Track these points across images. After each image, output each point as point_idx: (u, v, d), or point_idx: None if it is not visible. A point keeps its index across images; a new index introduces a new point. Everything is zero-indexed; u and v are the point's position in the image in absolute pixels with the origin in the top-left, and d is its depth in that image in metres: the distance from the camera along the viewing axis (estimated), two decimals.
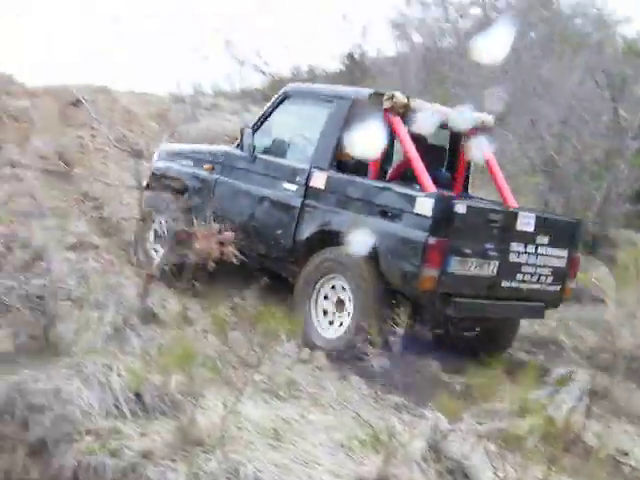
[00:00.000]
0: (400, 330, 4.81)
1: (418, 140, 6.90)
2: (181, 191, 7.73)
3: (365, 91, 7.27)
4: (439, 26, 15.94)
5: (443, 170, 7.61)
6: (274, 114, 7.49)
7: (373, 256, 6.21)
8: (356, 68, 19.11)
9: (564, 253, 6.65)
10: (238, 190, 7.45)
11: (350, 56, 19.50)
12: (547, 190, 10.88)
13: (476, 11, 18.26)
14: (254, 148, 7.34)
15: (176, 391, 5.22)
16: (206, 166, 7.25)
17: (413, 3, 17.60)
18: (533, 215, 6.34)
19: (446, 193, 6.64)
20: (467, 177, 7.81)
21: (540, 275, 6.50)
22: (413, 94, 11.94)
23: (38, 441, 4.69)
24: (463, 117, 7.14)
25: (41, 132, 12.44)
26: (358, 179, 6.79)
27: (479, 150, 7.29)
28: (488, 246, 5.83)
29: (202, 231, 6.54)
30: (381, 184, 6.72)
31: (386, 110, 6.81)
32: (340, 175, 6.86)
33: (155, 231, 7.98)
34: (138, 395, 5.19)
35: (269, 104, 7.61)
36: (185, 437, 4.63)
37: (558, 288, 6.77)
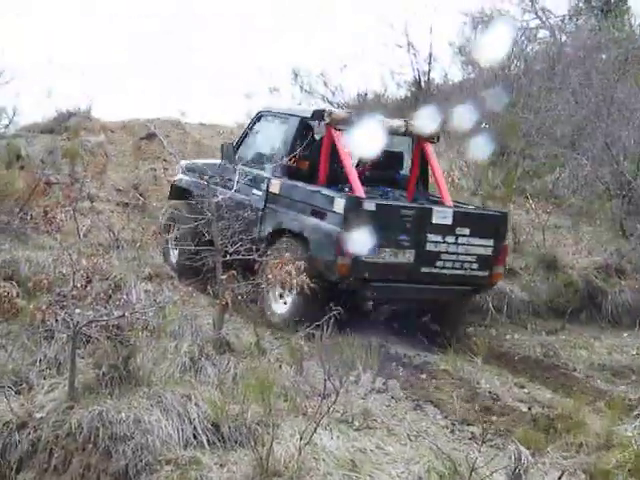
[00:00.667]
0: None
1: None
2: (190, 198, 8.44)
3: (311, 109, 8.30)
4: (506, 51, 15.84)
5: (401, 172, 8.41)
6: (251, 132, 8.69)
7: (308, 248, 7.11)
8: (421, 94, 19.11)
9: (489, 242, 7.30)
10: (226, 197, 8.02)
11: (415, 83, 19.52)
12: (623, 214, 10.59)
13: (544, 34, 18.14)
14: (235, 160, 8.19)
15: (253, 421, 5.24)
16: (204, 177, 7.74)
17: (479, 28, 17.60)
18: (450, 210, 7.06)
19: (356, 193, 7.19)
20: (423, 177, 8.42)
21: (463, 262, 7.17)
22: (481, 119, 12.02)
23: (120, 470, 4.77)
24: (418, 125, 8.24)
25: (117, 166, 12.84)
26: (300, 184, 7.70)
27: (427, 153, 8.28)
28: (402, 237, 6.46)
29: (274, 261, 6.61)
30: (314, 188, 7.56)
31: (327, 125, 7.69)
32: (289, 182, 7.78)
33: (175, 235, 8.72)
34: (216, 425, 5.23)
35: (248, 123, 8.86)
36: (263, 468, 4.64)
37: (486, 273, 7.40)
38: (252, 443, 4.91)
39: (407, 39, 19.30)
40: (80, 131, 13.65)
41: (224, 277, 6.84)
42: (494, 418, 6.05)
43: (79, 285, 5.62)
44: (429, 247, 6.39)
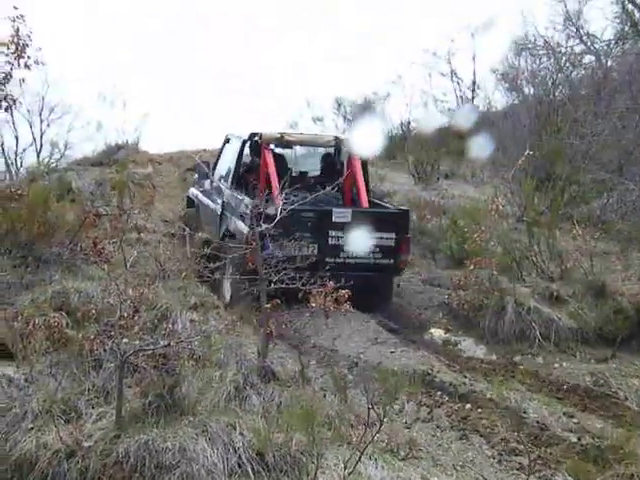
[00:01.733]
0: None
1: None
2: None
3: (250, 132, 9.62)
4: (551, 76, 15.77)
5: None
6: (222, 152, 10.59)
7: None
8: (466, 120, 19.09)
9: (391, 235, 8.54)
10: (206, 205, 10.40)
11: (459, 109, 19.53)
12: None
13: (589, 59, 18.01)
14: (209, 176, 10.07)
15: (297, 450, 5.24)
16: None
17: (523, 55, 17.58)
18: (349, 210, 8.15)
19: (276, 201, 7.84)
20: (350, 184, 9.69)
21: (368, 252, 8.46)
22: (525, 145, 11.93)
23: None
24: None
25: (164, 197, 13.07)
26: (236, 194, 9.20)
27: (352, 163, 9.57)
28: (306, 235, 7.27)
29: (318, 289, 6.65)
30: (240, 196, 9.04)
31: (261, 145, 9.29)
32: (231, 192, 9.31)
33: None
34: (260, 454, 5.25)
35: (221, 145, 10.73)
36: None
37: (391, 261, 8.68)
38: (296, 472, 4.92)
39: (450, 67, 19.44)
40: (128, 163, 13.98)
41: (268, 306, 6.88)
42: (542, 448, 5.98)
43: (126, 315, 5.72)
44: (331, 241, 7.08)
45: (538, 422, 6.37)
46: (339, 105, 19.34)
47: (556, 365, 7.88)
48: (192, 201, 11.30)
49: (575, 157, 12.59)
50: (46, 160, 16.17)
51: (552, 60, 16.86)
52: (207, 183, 10.56)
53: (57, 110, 17.09)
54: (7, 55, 8.20)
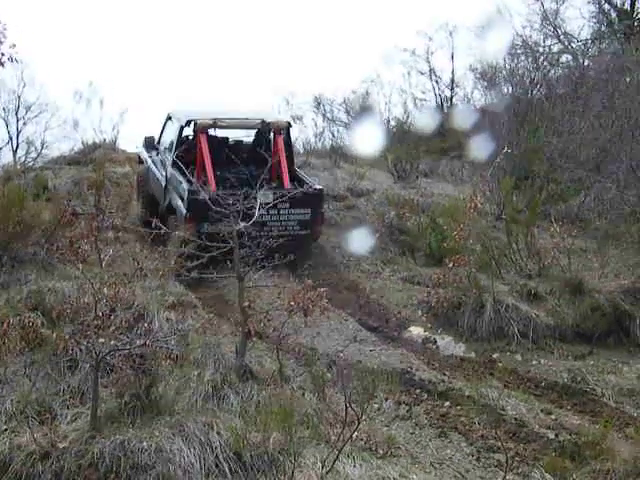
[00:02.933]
0: None
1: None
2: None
3: (189, 118, 10.65)
4: (529, 75, 15.83)
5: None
6: (165, 127, 11.72)
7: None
8: (445, 119, 19.14)
9: (307, 211, 9.92)
10: (153, 172, 11.48)
11: (439, 107, 19.57)
12: None
13: (566, 58, 18.12)
14: (155, 147, 11.72)
15: (275, 450, 5.21)
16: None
17: (501, 54, 17.64)
18: (270, 192, 8.98)
19: (211, 186, 9.39)
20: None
21: (287, 226, 9.81)
22: (504, 144, 11.97)
23: None
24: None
25: None
26: (176, 174, 10.36)
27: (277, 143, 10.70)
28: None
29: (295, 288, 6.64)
30: (180, 177, 10.21)
31: (197, 130, 10.44)
32: (175, 171, 10.45)
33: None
34: (238, 454, 5.21)
35: (164, 120, 11.74)
36: None
37: (308, 232, 10.11)
38: (274, 471, 4.90)
39: (429, 65, 19.48)
40: (105, 162, 13.84)
41: (246, 304, 6.85)
42: (520, 445, 5.99)
43: (102, 314, 5.67)
44: (257, 219, 7.50)
45: (516, 419, 6.39)
46: (318, 104, 19.27)
47: (534, 362, 7.91)
48: (142, 161, 12.42)
49: (553, 155, 12.65)
50: (22, 159, 16.03)
51: (530, 59, 16.92)
52: (154, 153, 11.82)
53: (34, 108, 16.94)
54: None
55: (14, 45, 8.21)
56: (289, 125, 11.27)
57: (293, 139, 11.89)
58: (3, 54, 8.18)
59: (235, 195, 7.44)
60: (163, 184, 10.84)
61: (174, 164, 10.54)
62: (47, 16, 22.36)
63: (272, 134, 10.96)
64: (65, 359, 6.20)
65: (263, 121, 10.85)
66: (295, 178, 10.85)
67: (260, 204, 7.74)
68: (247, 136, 11.59)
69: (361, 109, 19.06)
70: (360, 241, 10.91)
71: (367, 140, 14.51)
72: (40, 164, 15.18)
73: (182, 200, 9.95)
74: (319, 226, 10.41)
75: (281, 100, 17.88)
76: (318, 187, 10.63)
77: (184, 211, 9.79)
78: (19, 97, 16.64)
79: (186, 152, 10.59)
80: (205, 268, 7.62)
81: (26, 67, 15.07)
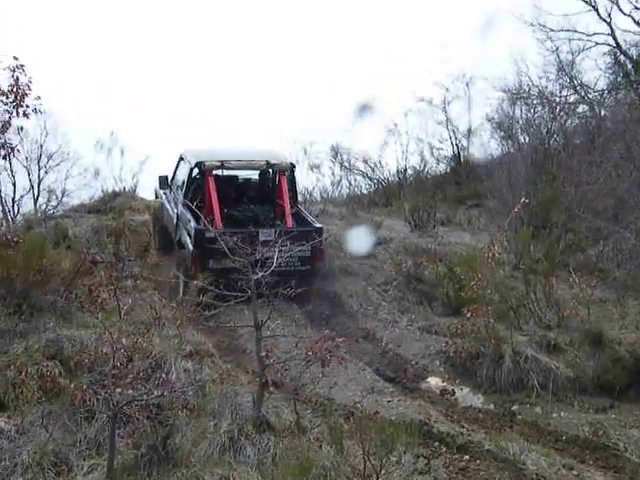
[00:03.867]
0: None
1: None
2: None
3: (198, 159, 11.22)
4: (546, 125, 15.93)
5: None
6: (177, 167, 12.34)
7: None
8: (461, 169, 19.21)
9: (307, 248, 9.64)
10: (167, 208, 12.17)
11: (455, 157, 19.67)
12: None
13: (583, 109, 18.20)
14: (169, 186, 12.39)
15: None
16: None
17: (518, 104, 17.76)
18: (272, 230, 9.65)
19: (217, 225, 10.13)
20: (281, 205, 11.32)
21: (288, 262, 9.19)
22: (520, 194, 11.98)
23: None
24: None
25: None
26: (186, 212, 10.74)
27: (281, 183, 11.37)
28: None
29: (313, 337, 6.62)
30: (189, 216, 10.57)
31: (205, 171, 11.01)
32: (184, 210, 10.84)
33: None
34: None
35: (177, 160, 12.38)
36: None
37: (309, 267, 10.53)
38: None
39: (446, 115, 19.63)
40: (125, 210, 13.99)
41: (264, 354, 6.83)
42: None
43: (119, 364, 5.67)
44: (259, 256, 7.56)
45: (537, 474, 6.27)
46: (336, 153, 19.43)
47: (554, 415, 7.79)
48: (157, 196, 13.30)
49: (570, 205, 12.63)
50: (43, 207, 16.22)
51: (546, 109, 17.02)
52: (168, 191, 12.51)
53: (55, 157, 17.21)
54: (6, 104, 8.29)
55: (39, 97, 8.38)
56: (293, 166, 11.89)
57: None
58: (28, 106, 8.33)
59: (239, 233, 7.80)
60: (175, 221, 11.45)
61: (184, 203, 10.98)
62: (70, 67, 22.83)
63: (276, 174, 11.62)
64: (82, 409, 6.18)
65: (268, 162, 11.45)
66: (298, 217, 11.42)
67: (262, 242, 8.03)
68: (255, 174, 12.22)
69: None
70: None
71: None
72: (60, 212, 15.36)
73: (190, 237, 10.51)
74: (319, 262, 10.83)
75: (299, 149, 18.03)
76: (318, 225, 11.07)
77: (191, 248, 10.34)
78: (41, 146, 16.93)
79: (196, 191, 11.18)
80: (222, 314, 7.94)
81: (49, 117, 15.36)
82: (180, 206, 11.22)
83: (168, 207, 12.15)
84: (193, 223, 10.41)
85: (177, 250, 11.19)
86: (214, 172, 11.15)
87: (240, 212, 11.31)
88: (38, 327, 8.10)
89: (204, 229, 9.92)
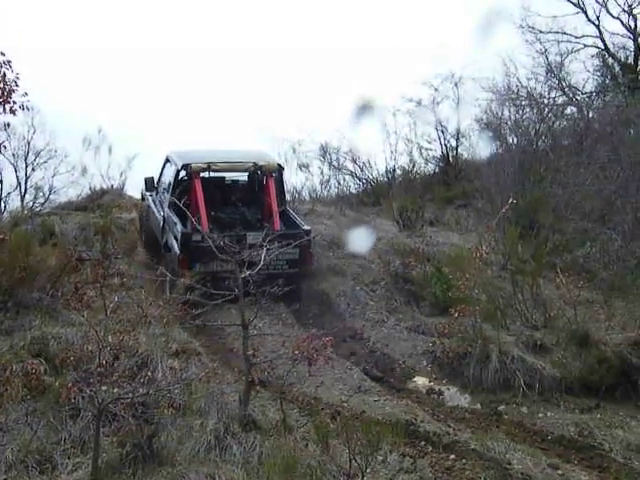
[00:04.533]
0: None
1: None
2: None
3: (184, 161, 11.18)
4: (534, 127, 15.97)
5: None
6: (164, 168, 12.22)
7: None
8: (450, 169, 19.23)
9: (295, 250, 9.82)
10: (153, 211, 12.05)
11: (444, 158, 19.68)
12: None
13: (571, 110, 18.28)
14: (155, 188, 12.23)
15: None
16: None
17: (507, 105, 17.80)
18: (260, 233, 8.82)
19: (203, 227, 9.90)
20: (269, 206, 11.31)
21: (276, 265, 9.90)
22: (508, 194, 12.01)
23: None
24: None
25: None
26: (172, 216, 10.73)
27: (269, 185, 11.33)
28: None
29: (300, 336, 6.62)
30: (175, 219, 10.60)
31: (191, 173, 10.98)
32: (171, 213, 10.84)
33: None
34: None
35: (163, 162, 12.26)
36: None
37: (297, 270, 10.44)
38: None
39: (435, 115, 19.64)
40: (113, 208, 13.94)
41: (250, 353, 6.82)
42: None
43: (105, 362, 5.64)
44: (246, 258, 7.53)
45: (522, 473, 6.28)
46: (325, 152, 19.40)
47: (540, 415, 7.80)
48: (144, 198, 13.05)
49: (558, 206, 12.68)
50: (30, 204, 16.12)
51: (535, 110, 17.07)
52: (154, 193, 12.36)
53: (43, 154, 17.09)
54: None
55: (26, 94, 8.30)
56: (280, 167, 11.84)
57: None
58: (15, 102, 8.27)
59: (226, 237, 7.68)
60: (161, 224, 11.34)
61: (170, 205, 10.93)
62: (59, 64, 22.73)
63: (264, 176, 11.51)
64: (67, 407, 6.15)
65: (255, 164, 11.34)
66: (286, 219, 11.39)
67: (250, 245, 7.93)
68: (243, 175, 12.09)
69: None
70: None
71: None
72: (47, 210, 15.27)
73: (176, 240, 10.43)
74: (308, 265, 10.79)
75: (288, 148, 17.99)
76: (306, 228, 10.99)
77: (177, 251, 10.27)
78: (29, 143, 16.79)
79: (183, 193, 11.03)
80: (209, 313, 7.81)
81: (36, 113, 15.27)
82: (166, 209, 11.14)
83: (154, 209, 12.04)
84: (179, 226, 10.39)
85: (164, 253, 11.08)
86: (200, 174, 11.07)
87: (227, 214, 11.22)
88: (23, 325, 8.07)
89: (190, 232, 9.99)
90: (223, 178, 12.03)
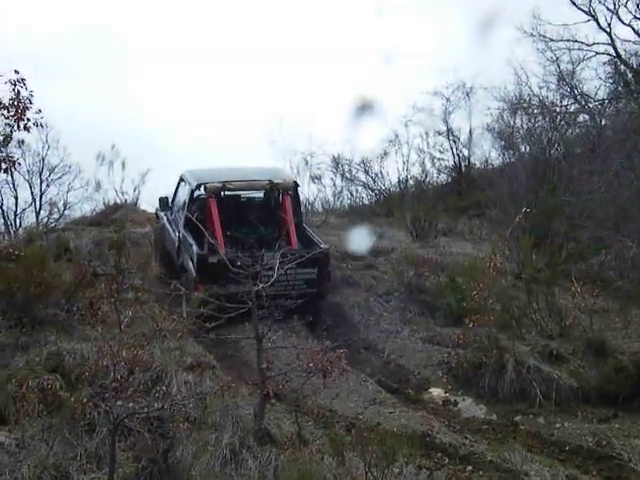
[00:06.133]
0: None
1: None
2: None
3: (199, 181, 11.04)
4: (546, 135, 15.92)
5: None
6: (178, 188, 12.02)
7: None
8: (462, 179, 19.22)
9: (314, 270, 10.12)
10: (168, 230, 11.85)
11: (456, 168, 19.67)
12: None
13: (583, 118, 18.22)
14: (169, 208, 12.12)
15: None
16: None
17: (519, 113, 17.79)
18: (278, 254, 8.26)
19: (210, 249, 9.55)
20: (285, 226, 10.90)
21: (295, 285, 9.95)
22: (522, 203, 11.97)
23: None
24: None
25: None
26: (187, 236, 10.56)
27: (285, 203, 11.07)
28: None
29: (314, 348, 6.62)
30: (190, 240, 10.40)
31: (207, 193, 10.85)
32: (186, 234, 10.65)
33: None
34: None
35: (177, 182, 12.03)
36: None
37: (314, 290, 10.20)
38: None
39: (447, 125, 19.65)
40: (126, 223, 14.01)
41: (265, 366, 6.82)
42: None
43: (120, 377, 5.65)
44: (263, 279, 7.45)
45: None
46: (337, 164, 19.45)
47: (558, 425, 7.74)
48: (159, 218, 12.79)
49: (572, 214, 12.64)
50: (45, 220, 16.23)
51: (547, 119, 17.04)
52: (168, 213, 12.19)
53: (57, 170, 17.23)
54: (7, 117, 8.30)
55: (40, 111, 8.38)
56: (296, 185, 11.61)
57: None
58: (29, 119, 8.34)
59: (242, 258, 7.54)
60: (176, 244, 11.15)
61: (186, 226, 10.74)
62: (72, 80, 22.96)
63: (280, 194, 11.26)
64: (83, 423, 6.16)
65: (270, 182, 11.08)
66: (303, 236, 11.08)
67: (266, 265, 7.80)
68: (259, 193, 11.82)
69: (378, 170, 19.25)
70: None
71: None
72: (62, 225, 15.37)
73: (192, 262, 10.21)
74: (326, 284, 10.55)
75: (300, 160, 18.04)
76: (324, 247, 10.64)
77: (194, 274, 10.05)
78: (43, 159, 16.94)
79: (197, 213, 10.77)
80: (223, 327, 7.63)
81: (50, 130, 15.39)
82: (182, 229, 10.93)
83: (169, 229, 11.85)
84: (195, 247, 10.21)
85: (179, 274, 10.78)
86: (216, 195, 10.88)
87: (243, 234, 10.55)
88: (39, 340, 8.10)
89: (207, 254, 9.83)
90: (239, 196, 11.73)
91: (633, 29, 18.17)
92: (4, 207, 16.38)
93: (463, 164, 19.67)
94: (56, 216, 16.73)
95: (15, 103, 8.20)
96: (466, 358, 8.73)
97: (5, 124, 8.43)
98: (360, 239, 12.44)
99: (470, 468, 6.55)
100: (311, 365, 6.79)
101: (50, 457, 5.71)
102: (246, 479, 5.75)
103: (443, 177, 20.13)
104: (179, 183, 12.04)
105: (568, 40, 18.56)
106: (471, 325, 8.70)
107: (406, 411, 7.82)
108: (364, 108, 14.34)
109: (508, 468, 6.46)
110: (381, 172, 19.50)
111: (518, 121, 17.56)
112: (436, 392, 8.61)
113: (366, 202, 19.74)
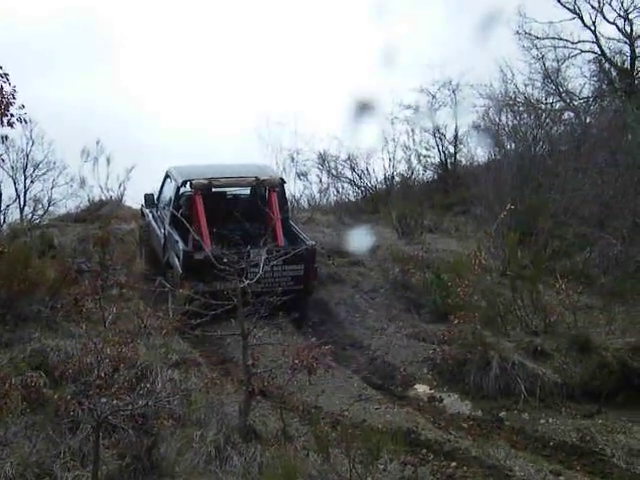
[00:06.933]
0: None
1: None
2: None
3: (185, 178, 11.02)
4: (531, 132, 15.98)
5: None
6: (164, 184, 12.07)
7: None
8: (448, 176, 19.26)
9: (300, 267, 10.18)
10: (153, 228, 11.96)
11: (442, 165, 19.71)
12: None
13: (568, 116, 18.30)
14: (154, 205, 12.17)
15: None
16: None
17: (504, 111, 17.83)
18: (263, 250, 8.10)
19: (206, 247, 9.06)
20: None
21: (281, 281, 9.98)
22: (507, 200, 12.00)
23: None
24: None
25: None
26: (173, 233, 10.55)
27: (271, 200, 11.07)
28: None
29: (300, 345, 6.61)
30: (176, 237, 10.38)
31: (193, 190, 10.79)
32: (172, 230, 10.64)
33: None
34: None
35: (163, 178, 12.09)
36: None
37: (301, 287, 10.31)
38: None
39: (432, 122, 19.67)
40: (111, 219, 13.94)
41: (250, 362, 6.80)
42: None
43: (104, 374, 5.63)
44: (250, 276, 7.43)
45: None
46: (323, 160, 19.43)
47: (542, 421, 7.77)
48: (144, 215, 12.92)
49: (557, 211, 12.69)
50: (29, 216, 16.15)
51: (532, 116, 17.10)
52: (154, 210, 12.23)
53: (41, 166, 17.13)
54: None
55: (23, 106, 8.29)
56: (282, 182, 11.63)
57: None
58: (12, 115, 8.26)
59: (229, 255, 7.51)
60: (162, 241, 11.17)
61: (171, 222, 10.75)
62: (55, 75, 22.83)
63: (266, 191, 11.31)
64: (66, 420, 6.12)
65: (257, 178, 11.12)
66: (289, 233, 11.13)
67: (253, 262, 7.77)
68: (245, 189, 11.90)
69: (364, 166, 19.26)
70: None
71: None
72: (46, 221, 15.29)
73: (178, 259, 10.21)
74: (312, 281, 10.60)
75: (286, 157, 18.03)
76: (311, 244, 10.71)
77: (179, 271, 10.05)
78: (27, 155, 16.86)
79: (183, 210, 10.83)
80: (208, 324, 7.57)
81: (35, 125, 15.31)
82: (167, 226, 10.96)
83: (155, 226, 11.89)
84: (181, 245, 10.20)
85: (165, 271, 10.85)
86: (202, 191, 10.83)
87: (229, 230, 10.44)
88: (23, 337, 8.06)
89: (192, 250, 9.87)
90: (224, 193, 11.81)
91: (617, 27, 18.33)
92: None
93: (449, 161, 19.71)
94: (40, 212, 16.67)
95: None
96: (451, 354, 8.74)
97: None
98: (359, 240, 12.41)
99: (454, 464, 6.56)
100: (296, 362, 6.77)
101: (33, 454, 5.69)
102: (231, 476, 5.73)
103: (429, 174, 20.17)
104: (165, 179, 12.04)
105: (553, 38, 18.71)
106: (456, 322, 8.71)
107: (391, 407, 7.83)
108: (355, 106, 14.41)
109: (492, 464, 6.48)
110: (367, 169, 19.53)
111: (504, 118, 17.60)
112: (421, 388, 8.61)
113: (352, 199, 19.75)
